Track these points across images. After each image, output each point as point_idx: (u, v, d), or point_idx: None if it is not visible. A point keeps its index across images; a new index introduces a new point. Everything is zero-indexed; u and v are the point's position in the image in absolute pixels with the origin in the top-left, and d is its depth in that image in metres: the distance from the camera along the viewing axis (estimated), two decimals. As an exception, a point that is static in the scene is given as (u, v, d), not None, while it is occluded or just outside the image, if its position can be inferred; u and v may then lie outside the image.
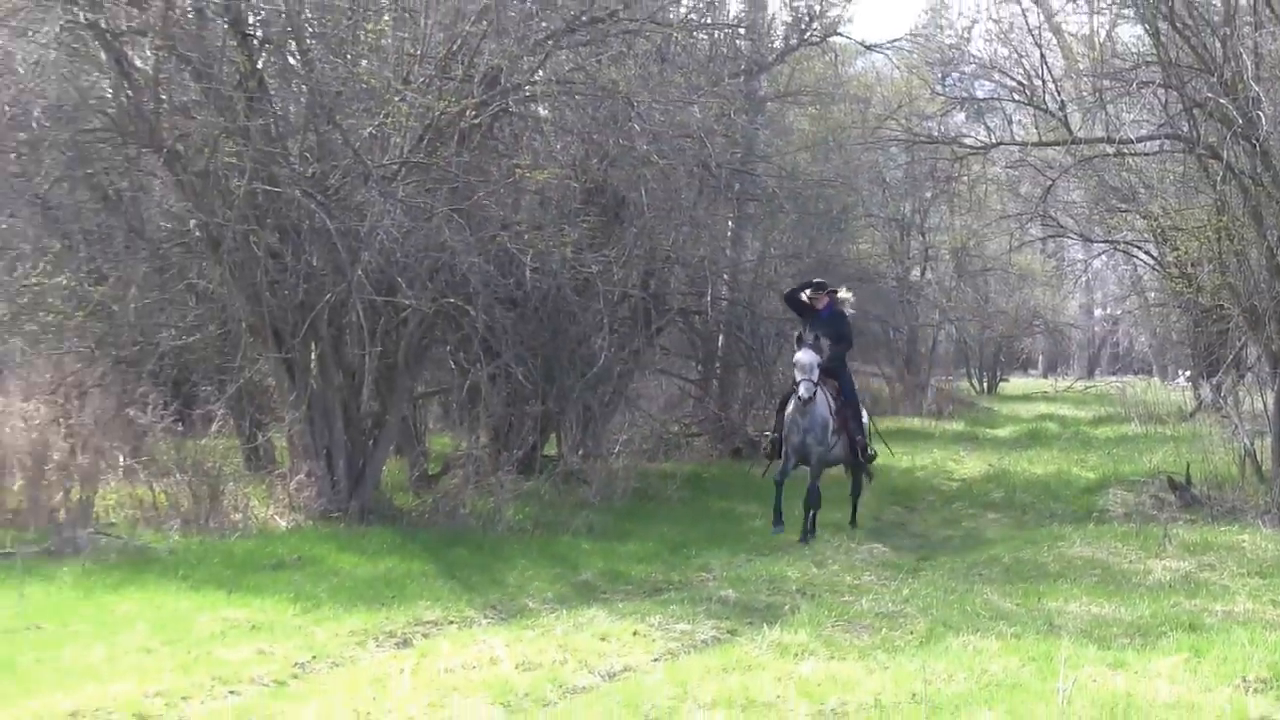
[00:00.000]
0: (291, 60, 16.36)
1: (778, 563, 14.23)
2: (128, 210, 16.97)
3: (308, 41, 15.82)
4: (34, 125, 15.29)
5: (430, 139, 15.39)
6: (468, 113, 15.24)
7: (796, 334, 16.16)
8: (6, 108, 15.13)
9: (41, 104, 15.00)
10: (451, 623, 11.46)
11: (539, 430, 19.46)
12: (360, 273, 15.08)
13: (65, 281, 16.95)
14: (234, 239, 15.58)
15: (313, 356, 16.36)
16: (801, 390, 15.46)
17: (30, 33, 14.75)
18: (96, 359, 16.78)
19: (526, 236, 16.03)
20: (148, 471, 15.96)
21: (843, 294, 16.82)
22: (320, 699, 8.98)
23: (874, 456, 16.99)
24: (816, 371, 15.48)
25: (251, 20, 16.31)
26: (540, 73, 16.44)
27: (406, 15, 16.36)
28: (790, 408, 15.99)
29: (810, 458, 15.96)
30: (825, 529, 16.13)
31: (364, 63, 16.19)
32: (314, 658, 10.24)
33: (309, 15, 15.91)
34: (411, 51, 15.77)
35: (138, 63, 15.70)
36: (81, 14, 14.87)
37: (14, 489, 15.00)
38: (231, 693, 9.28)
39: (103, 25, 15.17)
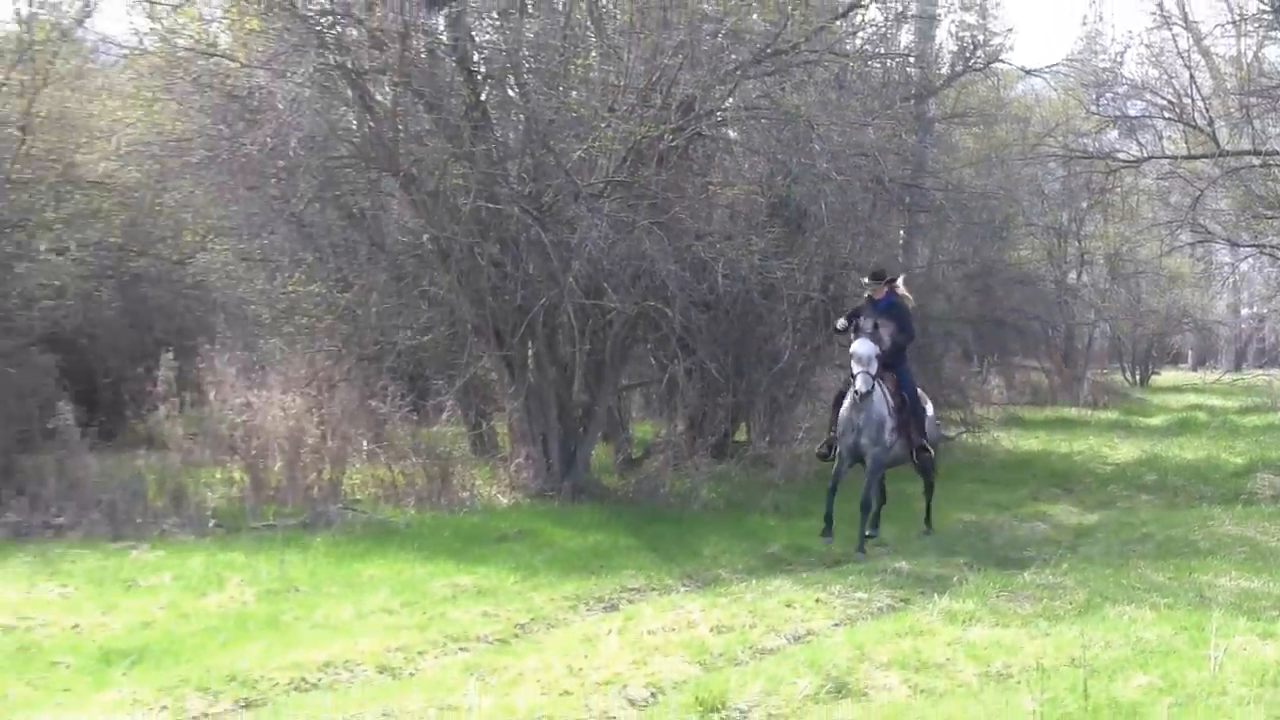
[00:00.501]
0: (511, 93, 17.26)
1: (946, 538, 14.63)
2: (370, 227, 17.92)
3: (525, 76, 16.77)
4: (291, 154, 15.81)
5: (632, 160, 15.89)
6: (666, 137, 15.65)
7: (850, 323, 14.23)
8: (268, 139, 15.61)
9: (297, 135, 15.52)
10: (653, 590, 11.88)
11: (730, 419, 19.89)
12: (571, 279, 15.75)
13: (317, 289, 18.21)
14: (461, 250, 16.51)
15: (530, 353, 17.19)
16: (859, 384, 13.60)
17: (288, 74, 15.64)
18: (344, 357, 17.90)
19: (718, 246, 16.34)
20: (388, 455, 16.84)
21: (902, 289, 14.73)
22: (538, 655, 9.36)
23: (931, 459, 14.85)
24: (875, 364, 13.66)
25: (476, 58, 17.26)
26: (730, 100, 16.91)
27: (611, 51, 16.92)
28: (846, 405, 14.16)
29: (865, 459, 14.11)
30: (981, 510, 15.78)
31: (574, 94, 16.83)
32: (532, 619, 10.71)
33: (526, 53, 16.70)
34: (616, 83, 16.26)
35: (378, 98, 16.61)
36: (331, 57, 15.99)
37: (275, 470, 15.84)
38: (461, 649, 9.78)
39: (349, 66, 16.25)
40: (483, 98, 16.95)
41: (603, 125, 15.70)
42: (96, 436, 17.54)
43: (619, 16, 17.25)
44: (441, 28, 17.06)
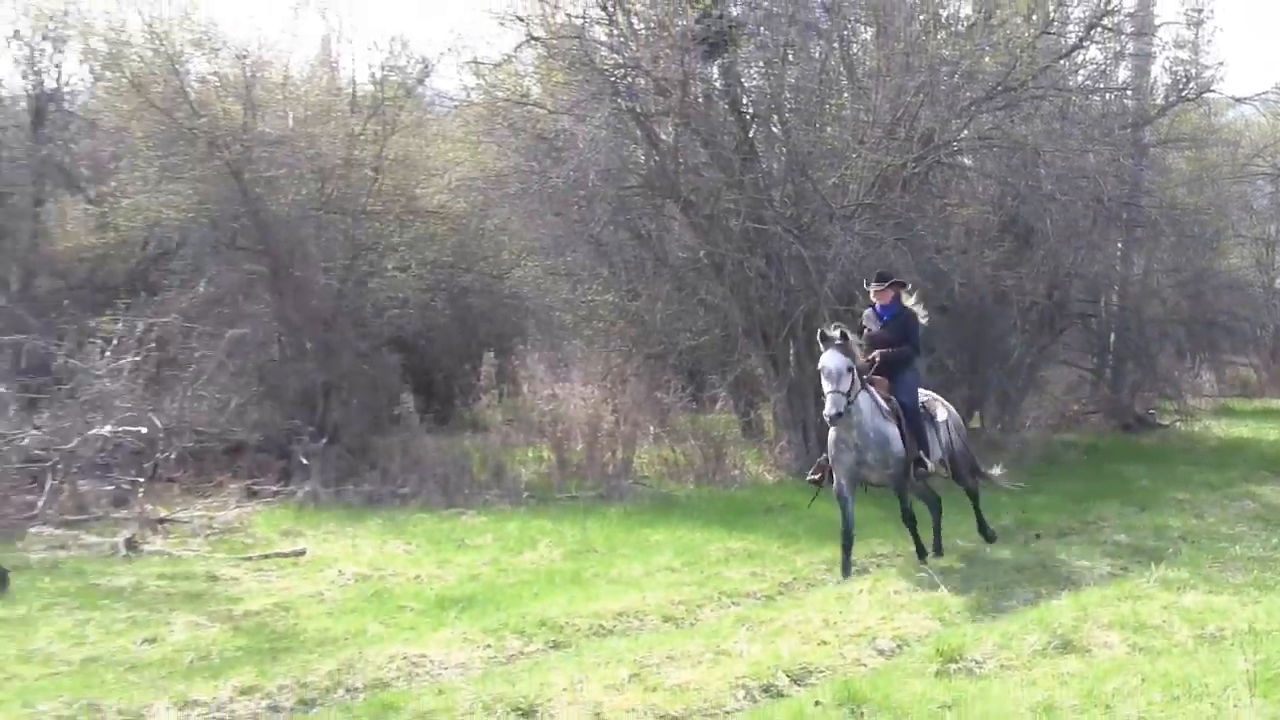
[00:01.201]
0: (774, 129, 18.09)
1: (1162, 514, 14.48)
2: (655, 245, 18.94)
3: (787, 115, 17.70)
4: (589, 185, 17.14)
5: (880, 186, 16.58)
6: (908, 165, 16.44)
7: (820, 331, 11.01)
8: (570, 174, 16.90)
9: (595, 170, 16.77)
10: (899, 556, 12.09)
11: (966, 409, 19.75)
12: (827, 288, 16.46)
13: (611, 298, 19.35)
14: (732, 265, 17.38)
15: (791, 353, 17.79)
16: (828, 407, 10.56)
17: (587, 118, 16.94)
18: (633, 355, 18.84)
19: (955, 259, 16.75)
20: (670, 438, 17.83)
21: (908, 300, 11.61)
22: (799, 610, 9.72)
23: (926, 474, 11.57)
24: (847, 380, 10.47)
25: (745, 101, 18.21)
26: (965, 132, 17.39)
27: (861, 92, 17.73)
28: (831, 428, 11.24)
29: (875, 481, 11.62)
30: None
31: (829, 129, 17.74)
32: (794, 579, 11.16)
33: (788, 95, 17.69)
34: (865, 119, 17.03)
35: (662, 136, 17.89)
36: (623, 103, 17.23)
37: (577, 450, 17.13)
38: (733, 603, 10.29)
39: (638, 110, 17.53)
40: (750, 134, 17.82)
41: (854, 156, 16.51)
42: (432, 422, 19.32)
43: (867, 62, 17.89)
44: (716, 76, 17.97)
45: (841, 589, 10.65)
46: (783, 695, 7.63)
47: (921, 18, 17.29)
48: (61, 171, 21.72)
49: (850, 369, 10.41)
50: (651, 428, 18.00)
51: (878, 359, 10.98)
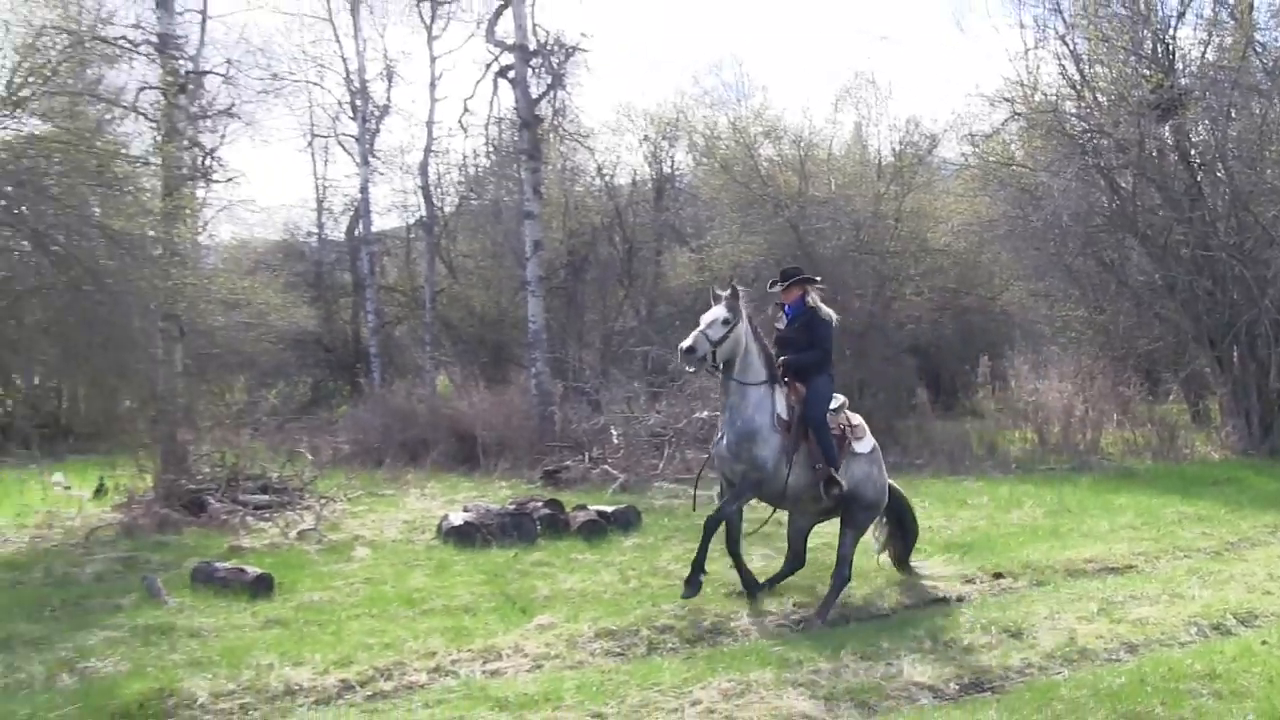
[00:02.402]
0: (1219, 174, 18.84)
1: None
2: (1117, 270, 20.22)
3: (1230, 161, 18.58)
4: (1063, 225, 19.13)
5: None
6: None
7: (711, 290, 9.02)
8: (1048, 217, 18.87)
9: (1066, 213, 18.72)
10: None
11: None
12: (1267, 301, 17.63)
13: (1081, 313, 20.90)
14: (1182, 285, 18.76)
15: (1234, 354, 18.75)
16: (683, 342, 8.42)
17: (1060, 173, 18.87)
18: (1099, 358, 19.79)
19: None
20: (1130, 423, 19.06)
21: (812, 299, 8.98)
22: (1243, 565, 9.87)
23: (838, 493, 8.65)
24: (720, 329, 8.43)
25: (1192, 152, 19.06)
26: None
27: None
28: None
29: (729, 477, 8.81)
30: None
31: (1269, 171, 18.26)
32: (1239, 539, 11.25)
33: (1230, 145, 18.59)
34: None
35: (1122, 184, 19.33)
36: (1089, 160, 18.88)
37: (1054, 432, 18.40)
38: (1185, 556, 10.45)
39: (1101, 165, 19.00)
40: (1198, 179, 18.73)
41: None
42: (940, 409, 21.19)
43: None
44: (1166, 134, 19.00)
45: None
46: (1230, 634, 7.69)
47: None
48: (673, 230, 25.59)
49: (728, 322, 8.42)
50: (1115, 415, 18.85)
51: (784, 364, 8.81)
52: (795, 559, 9.38)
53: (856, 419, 9.25)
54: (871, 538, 9.64)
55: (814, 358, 8.86)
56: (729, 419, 8.60)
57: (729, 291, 8.59)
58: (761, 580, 9.05)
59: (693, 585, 8.42)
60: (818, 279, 9.47)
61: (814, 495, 8.79)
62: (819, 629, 8.12)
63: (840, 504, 8.91)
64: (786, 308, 9.14)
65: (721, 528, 8.56)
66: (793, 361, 8.83)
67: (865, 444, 9.13)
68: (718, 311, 8.50)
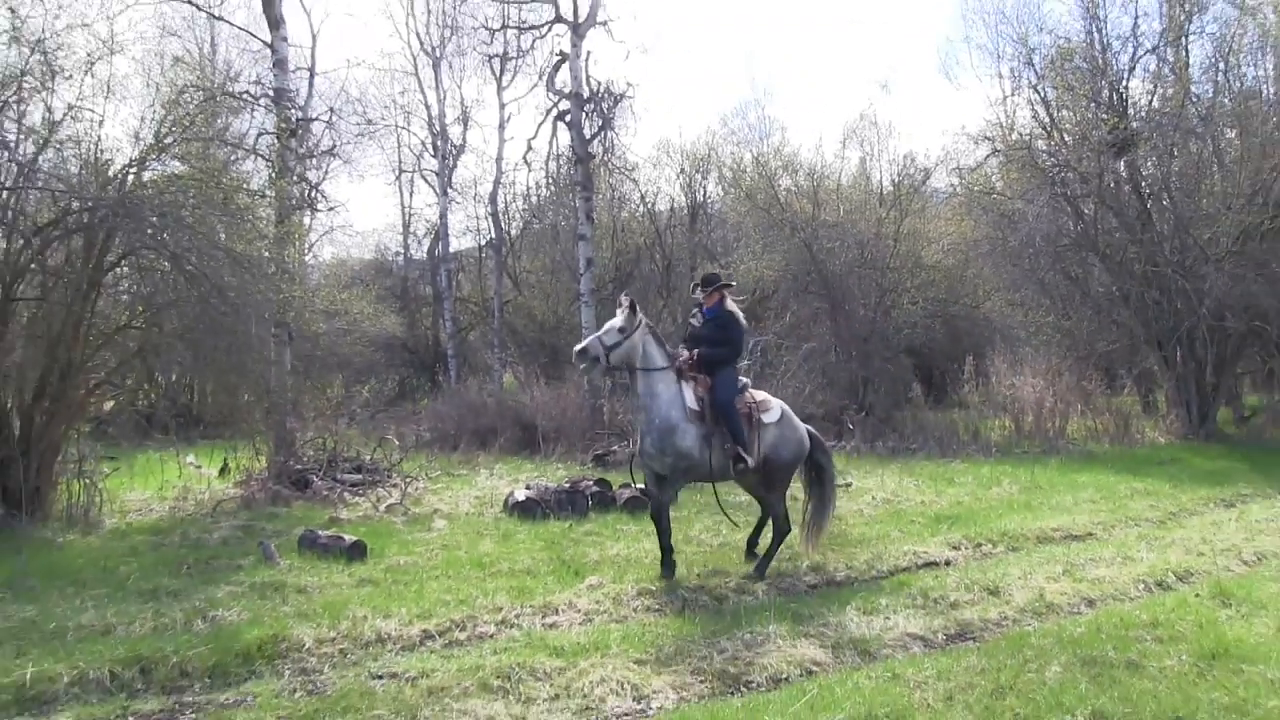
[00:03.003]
0: (1164, 203, 18.82)
1: None
2: (1081, 283, 19.92)
3: (1173, 192, 18.54)
4: (1035, 245, 18.98)
5: (1243, 238, 17.45)
6: (1264, 222, 17.22)
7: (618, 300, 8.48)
8: (1023, 239, 18.91)
9: (1039, 235, 18.67)
10: (1259, 495, 12.24)
11: None
12: (1204, 310, 17.53)
13: (1051, 320, 20.50)
14: (1135, 295, 18.67)
15: (1178, 354, 18.45)
16: (585, 344, 8.20)
17: (1033, 201, 18.50)
18: (1066, 358, 19.52)
19: None
20: (1092, 413, 18.46)
21: (729, 304, 8.64)
22: (1183, 532, 9.92)
23: (746, 471, 8.40)
24: (614, 335, 8.13)
25: (1143, 184, 18.64)
26: None
27: (1228, 172, 18.26)
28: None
29: (658, 470, 8.36)
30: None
31: (1204, 200, 18.38)
32: (1180, 510, 11.16)
33: (1174, 179, 18.50)
34: (1231, 191, 17.62)
35: (1085, 211, 19.10)
36: (1057, 190, 18.40)
37: (1027, 421, 17.99)
38: (1135, 525, 10.37)
39: (1068, 194, 18.63)
40: (1148, 206, 18.77)
41: (1223, 218, 17.56)
42: (932, 402, 21.01)
43: (1231, 153, 18.47)
44: (1121, 168, 18.95)
45: (1215, 516, 10.85)
46: (1171, 589, 7.76)
47: (1275, 118, 17.89)
48: (705, 249, 25.34)
49: (623, 330, 8.13)
50: (1079, 406, 18.63)
51: (696, 356, 8.46)
52: (763, 513, 9.09)
53: (761, 395, 8.91)
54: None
55: (725, 353, 8.55)
56: (646, 419, 8.20)
57: (627, 303, 8.26)
58: (749, 539, 9.01)
59: (668, 566, 8.22)
60: (733, 284, 9.26)
61: (705, 472, 8.45)
62: (756, 579, 8.11)
63: (762, 470, 8.58)
64: (705, 310, 8.76)
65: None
66: (706, 354, 8.50)
67: (773, 413, 8.78)
68: (615, 321, 8.22)
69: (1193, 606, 7.06)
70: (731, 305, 8.71)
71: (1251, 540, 9.39)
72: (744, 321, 8.75)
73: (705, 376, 8.44)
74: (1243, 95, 18.74)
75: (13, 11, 10.21)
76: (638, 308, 8.30)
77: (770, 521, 8.87)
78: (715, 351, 8.50)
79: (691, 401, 8.26)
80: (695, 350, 8.52)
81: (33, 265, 10.69)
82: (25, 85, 10.23)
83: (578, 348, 8.14)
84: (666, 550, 8.24)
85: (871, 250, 21.38)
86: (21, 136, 10.45)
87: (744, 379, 8.82)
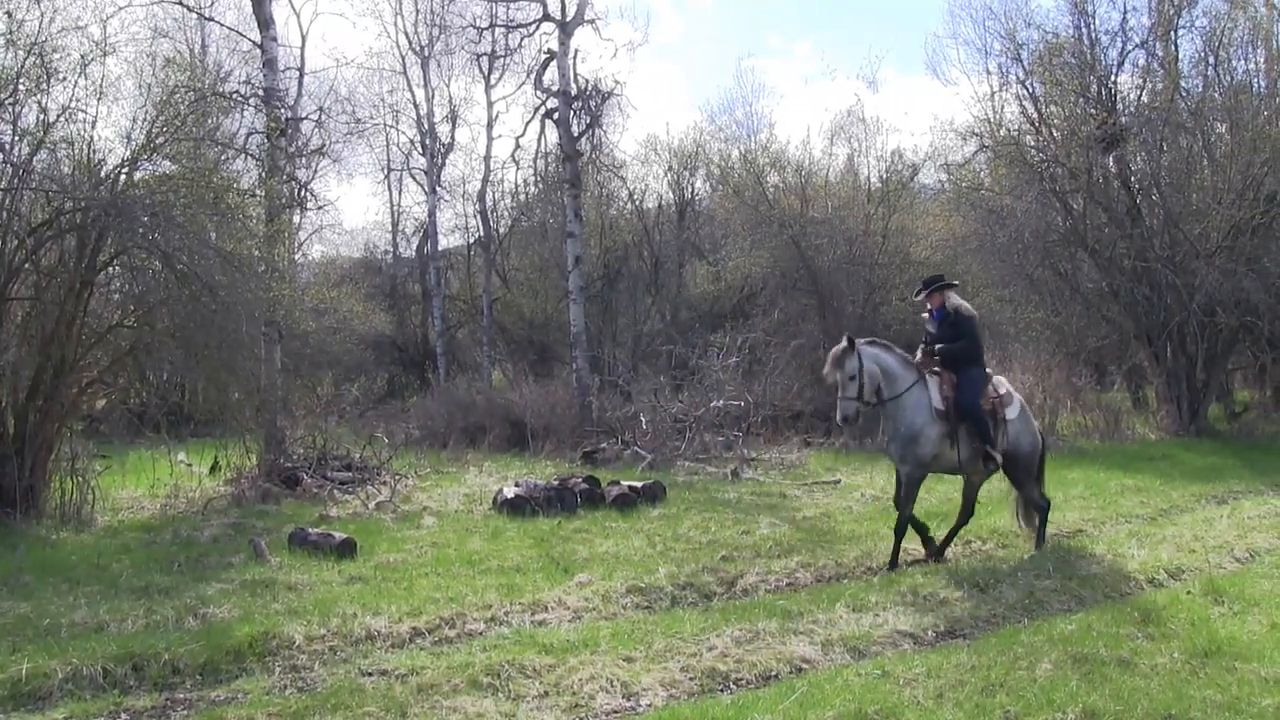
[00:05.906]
0: (1154, 197, 18.60)
1: None
2: (1070, 279, 19.72)
3: (1163, 187, 18.53)
4: (1024, 241, 18.96)
5: (1233, 233, 17.38)
6: (1255, 217, 17.18)
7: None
8: (1012, 234, 18.74)
9: (1028, 230, 18.66)
10: (1250, 492, 12.17)
11: None
12: (1195, 305, 17.47)
13: (1040, 315, 20.39)
14: (1125, 291, 18.54)
15: (1168, 349, 18.37)
16: (839, 411, 8.47)
17: (1022, 196, 18.51)
18: (1055, 354, 19.61)
19: None
20: (1081, 409, 18.56)
21: (952, 301, 8.87)
22: (1174, 528, 9.81)
23: (994, 469, 8.87)
24: (852, 387, 8.35)
25: (1132, 179, 18.87)
26: None
27: (1218, 167, 18.05)
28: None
29: (899, 473, 8.79)
30: None
31: (1194, 195, 18.28)
32: (1171, 507, 11.24)
33: (1163, 173, 18.58)
34: (1222, 186, 17.67)
35: (1074, 206, 19.00)
36: (1046, 185, 18.45)
37: None
38: (1124, 522, 10.26)
39: (1056, 189, 18.56)
40: (1137, 201, 18.75)
41: (1213, 213, 17.48)
42: None
43: (1221, 147, 18.33)
44: (1110, 163, 19.03)
45: (1206, 512, 10.72)
46: (1162, 586, 7.71)
47: (1265, 112, 17.89)
48: (693, 247, 25.66)
49: (853, 377, 8.35)
50: (1068, 402, 18.73)
51: (939, 356, 8.71)
52: (966, 512, 9.29)
53: (1004, 387, 9.10)
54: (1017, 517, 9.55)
55: (962, 348, 8.74)
56: (893, 427, 8.55)
57: (841, 347, 8.48)
58: (939, 540, 9.08)
59: (895, 562, 8.58)
60: (955, 283, 9.45)
61: (981, 465, 8.82)
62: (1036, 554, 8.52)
63: (1006, 463, 8.91)
64: (933, 311, 9.02)
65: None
66: (944, 351, 8.76)
67: (1014, 409, 9.03)
68: (843, 372, 8.39)
69: (1184, 604, 7.03)
70: (956, 301, 8.96)
71: (1243, 537, 9.40)
72: (972, 312, 8.99)
73: (950, 374, 8.70)
74: (1233, 89, 18.70)
75: (9, 15, 10.38)
76: (854, 341, 8.54)
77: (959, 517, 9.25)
78: (952, 347, 8.74)
79: (937, 401, 8.54)
80: (936, 346, 8.80)
81: (27, 265, 10.86)
82: (21, 87, 10.41)
83: (839, 419, 8.51)
84: (896, 553, 8.62)
85: (860, 247, 21.53)
86: (16, 138, 10.66)
87: (987, 370, 9.06)
